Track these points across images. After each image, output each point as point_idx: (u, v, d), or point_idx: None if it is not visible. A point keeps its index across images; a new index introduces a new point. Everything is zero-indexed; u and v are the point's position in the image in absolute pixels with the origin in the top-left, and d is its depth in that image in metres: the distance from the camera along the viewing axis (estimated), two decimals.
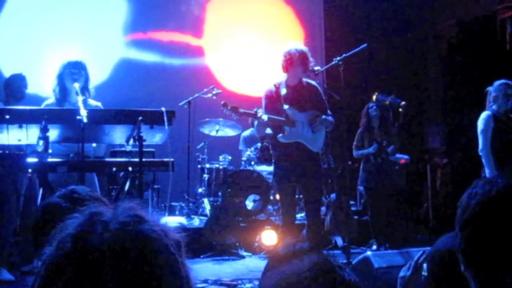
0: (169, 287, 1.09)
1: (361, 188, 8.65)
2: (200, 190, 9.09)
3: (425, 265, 2.35)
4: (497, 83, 6.53)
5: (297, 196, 6.77)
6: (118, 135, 4.97)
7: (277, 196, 8.69)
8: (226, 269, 7.11)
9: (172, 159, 4.95)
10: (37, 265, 2.13)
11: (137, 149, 4.75)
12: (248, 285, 6.12)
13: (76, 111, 4.52)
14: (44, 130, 4.43)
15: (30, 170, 4.66)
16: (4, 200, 6.21)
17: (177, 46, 10.67)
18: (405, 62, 11.26)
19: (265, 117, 5.86)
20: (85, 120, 4.40)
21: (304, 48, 6.14)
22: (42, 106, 5.29)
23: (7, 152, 4.74)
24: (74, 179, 4.60)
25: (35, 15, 9.72)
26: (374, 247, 7.81)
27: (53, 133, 4.61)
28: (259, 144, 8.71)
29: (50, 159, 4.66)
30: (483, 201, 1.61)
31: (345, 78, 6.40)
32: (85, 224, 1.11)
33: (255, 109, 6.06)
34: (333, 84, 7.74)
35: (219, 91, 8.78)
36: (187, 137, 8.71)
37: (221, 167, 8.76)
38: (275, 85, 6.15)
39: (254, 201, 8.48)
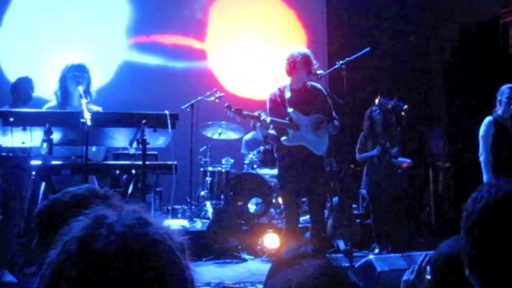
0: None
1: (363, 191, 8.65)
2: (202, 193, 9.10)
3: (428, 269, 2.35)
4: (503, 87, 6.53)
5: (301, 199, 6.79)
6: (122, 138, 4.98)
7: (279, 200, 8.71)
8: (228, 272, 7.11)
9: (175, 162, 4.96)
10: (39, 268, 2.14)
11: (140, 152, 4.76)
12: None
13: (80, 114, 4.52)
14: (48, 132, 4.44)
15: (34, 173, 4.66)
16: (8, 202, 6.23)
17: (180, 49, 10.69)
18: (408, 65, 11.26)
19: (267, 119, 5.87)
20: (89, 123, 4.41)
21: (307, 51, 6.15)
22: (44, 109, 5.29)
23: (11, 154, 4.76)
24: (77, 182, 4.61)
25: (38, 18, 9.75)
26: (377, 250, 7.81)
27: (57, 136, 4.62)
28: (261, 148, 8.72)
29: (53, 162, 4.67)
30: (489, 204, 1.61)
31: (347, 82, 6.41)
32: (90, 226, 1.11)
33: (258, 111, 6.06)
34: (335, 88, 7.73)
35: (222, 94, 8.79)
36: (190, 140, 8.72)
37: (223, 170, 8.76)
38: (279, 89, 6.16)
39: (257, 204, 8.48)
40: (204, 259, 7.58)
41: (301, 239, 6.43)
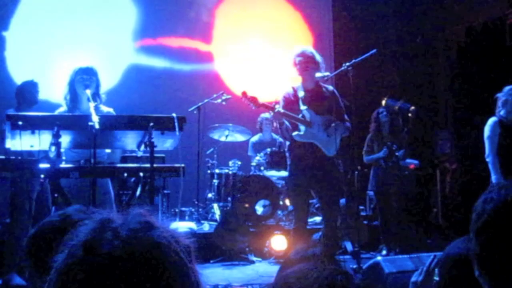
0: None
1: (371, 193, 8.65)
2: (209, 195, 9.11)
3: (436, 270, 2.35)
4: (506, 88, 6.52)
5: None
6: (130, 141, 5.00)
7: (287, 201, 8.72)
8: (236, 274, 7.12)
9: (183, 165, 4.97)
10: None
11: (147, 155, 4.78)
12: None
13: (88, 117, 4.54)
14: (56, 136, 4.46)
15: (42, 176, 4.68)
16: (16, 205, 6.26)
17: (187, 52, 10.71)
18: (414, 67, 11.25)
19: (280, 109, 5.90)
20: (97, 126, 4.43)
21: (313, 50, 6.23)
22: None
23: (19, 158, 4.78)
24: (87, 185, 4.63)
25: (45, 21, 9.78)
26: (384, 252, 7.80)
27: (65, 139, 4.65)
28: (268, 150, 8.72)
29: (62, 165, 4.69)
30: (498, 206, 1.61)
31: (354, 84, 6.41)
32: (95, 231, 1.12)
33: (273, 103, 6.07)
34: (342, 89, 7.73)
35: (228, 96, 8.80)
36: (197, 143, 8.73)
37: (230, 172, 8.77)
38: (293, 88, 6.22)
39: (264, 206, 8.48)
40: (211, 261, 7.60)
41: (309, 240, 6.44)
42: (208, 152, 9.16)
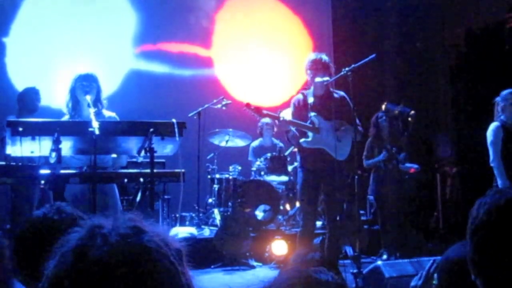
0: None
1: (371, 197, 8.65)
2: (210, 200, 9.11)
3: (436, 275, 2.36)
4: (504, 92, 6.52)
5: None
6: (130, 146, 5.01)
7: (287, 206, 8.73)
8: (236, 279, 7.12)
9: (183, 170, 4.97)
10: None
11: (148, 160, 4.79)
12: None
13: (88, 123, 4.55)
14: (57, 142, 4.47)
15: (43, 182, 4.69)
16: (17, 211, 6.27)
17: (187, 57, 10.72)
18: (414, 71, 11.26)
19: (285, 117, 5.99)
20: (97, 132, 4.44)
21: (325, 56, 6.32)
22: None
23: (20, 164, 4.79)
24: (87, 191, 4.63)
25: (45, 28, 9.79)
26: (385, 256, 7.80)
27: (66, 145, 4.66)
28: (268, 154, 8.72)
29: (63, 171, 4.70)
30: (491, 209, 1.63)
31: (354, 89, 6.42)
32: (85, 237, 1.13)
33: (278, 112, 6.17)
34: None
35: (228, 101, 8.82)
36: (197, 148, 8.74)
37: (231, 177, 8.76)
38: (303, 93, 6.35)
39: (264, 211, 8.48)
40: (212, 266, 7.60)
41: (311, 245, 6.47)
42: (208, 157, 9.16)
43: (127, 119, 5.37)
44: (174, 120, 4.83)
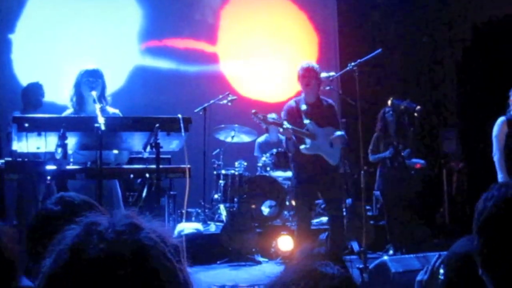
0: None
1: (377, 193, 8.64)
2: (216, 196, 9.10)
3: (442, 269, 2.35)
4: None
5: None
6: (136, 142, 5.00)
7: (293, 202, 8.72)
8: (242, 274, 7.13)
9: (188, 166, 4.97)
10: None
11: (153, 156, 4.79)
12: None
13: (94, 119, 4.55)
14: (63, 137, 4.47)
15: (48, 178, 4.70)
16: (23, 207, 6.28)
17: (192, 53, 10.71)
18: (420, 66, 11.23)
19: (288, 125, 6.22)
20: (103, 127, 4.44)
21: (315, 64, 6.59)
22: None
23: (26, 159, 4.80)
24: (94, 187, 4.63)
25: (50, 24, 9.79)
26: (391, 251, 7.79)
27: (71, 141, 4.66)
28: (274, 150, 8.72)
29: (68, 167, 4.70)
30: (499, 203, 1.62)
31: (360, 83, 6.41)
32: (81, 235, 1.12)
33: (282, 120, 6.41)
34: (348, 89, 7.73)
35: (234, 97, 8.81)
36: (203, 144, 8.73)
37: (236, 173, 8.76)
38: (295, 101, 6.57)
39: (270, 206, 8.48)
40: (218, 262, 7.61)
41: (313, 241, 6.54)
42: (214, 153, 9.16)
43: (132, 115, 5.37)
44: (179, 116, 4.82)
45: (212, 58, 10.92)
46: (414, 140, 8.25)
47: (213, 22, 11.01)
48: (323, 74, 6.33)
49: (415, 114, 8.10)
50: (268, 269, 7.38)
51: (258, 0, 11.28)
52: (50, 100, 7.33)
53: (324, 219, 8.39)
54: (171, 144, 5.00)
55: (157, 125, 4.69)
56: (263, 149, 9.13)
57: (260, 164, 8.88)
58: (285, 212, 8.68)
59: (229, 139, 8.91)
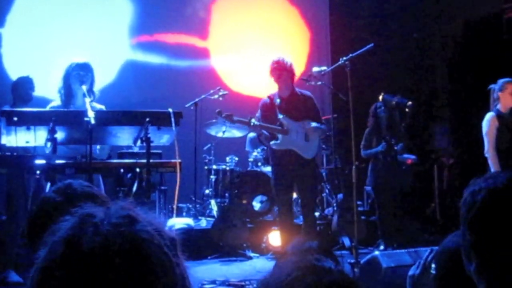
0: (163, 287, 1.09)
1: (368, 188, 8.65)
2: (207, 191, 9.09)
3: (433, 264, 2.35)
4: (501, 81, 6.52)
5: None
6: (126, 136, 4.98)
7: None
8: (233, 270, 7.12)
9: (179, 160, 4.96)
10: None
11: (144, 151, 4.77)
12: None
13: (83, 113, 4.52)
14: (52, 132, 4.44)
15: (38, 172, 4.66)
16: (12, 202, 6.24)
17: (183, 48, 10.68)
18: (412, 62, 11.24)
19: (255, 122, 6.27)
20: (92, 121, 4.41)
21: (289, 59, 6.63)
22: (47, 108, 5.26)
23: (15, 154, 4.77)
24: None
25: (41, 18, 9.75)
26: (382, 247, 7.80)
27: (61, 135, 4.62)
28: None
29: (58, 161, 4.67)
30: (490, 193, 1.60)
31: (351, 78, 6.41)
32: (76, 226, 1.10)
33: (249, 117, 6.37)
34: (339, 84, 7.73)
35: (225, 92, 8.78)
36: (194, 138, 8.71)
37: (228, 168, 8.75)
38: (269, 97, 6.62)
39: (261, 202, 8.48)
40: (209, 257, 7.60)
41: (298, 234, 6.58)
42: (205, 148, 9.15)
43: (123, 109, 5.33)
44: (170, 110, 4.81)
45: (204, 53, 10.90)
46: (405, 135, 8.26)
47: (205, 16, 10.98)
48: (315, 69, 6.33)
49: (407, 110, 8.11)
50: (259, 264, 7.38)
51: None
52: (40, 94, 7.27)
53: (316, 214, 8.39)
54: (161, 138, 4.98)
55: (148, 119, 4.67)
56: (254, 144, 9.12)
57: (251, 159, 8.87)
58: (276, 207, 8.67)
59: (220, 134, 8.89)
